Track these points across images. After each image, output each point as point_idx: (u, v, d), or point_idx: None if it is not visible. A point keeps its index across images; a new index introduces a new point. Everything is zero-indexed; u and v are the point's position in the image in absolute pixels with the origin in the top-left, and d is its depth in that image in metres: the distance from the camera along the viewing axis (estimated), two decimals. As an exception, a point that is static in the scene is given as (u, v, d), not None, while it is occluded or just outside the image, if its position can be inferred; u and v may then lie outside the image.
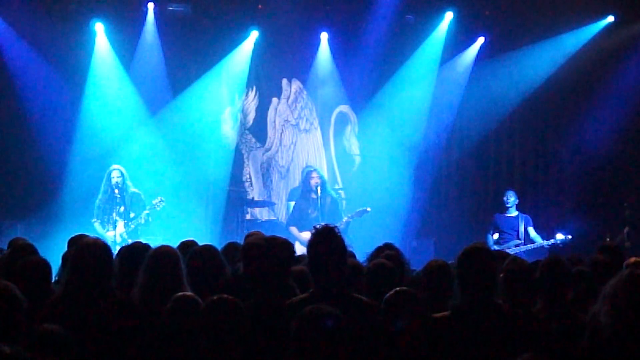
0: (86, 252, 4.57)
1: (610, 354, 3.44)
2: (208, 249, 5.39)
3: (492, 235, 11.60)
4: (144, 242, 5.83)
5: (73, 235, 6.47)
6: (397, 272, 5.10)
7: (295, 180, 13.26)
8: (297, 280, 4.94)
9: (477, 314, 4.16)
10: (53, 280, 5.27)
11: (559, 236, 11.21)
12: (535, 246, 11.25)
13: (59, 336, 3.76)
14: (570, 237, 11.18)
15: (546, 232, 12.10)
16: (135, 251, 5.33)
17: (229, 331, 3.85)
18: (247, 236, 5.89)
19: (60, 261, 6.04)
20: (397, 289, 4.10)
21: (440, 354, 4.02)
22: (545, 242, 11.28)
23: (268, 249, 4.42)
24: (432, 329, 4.12)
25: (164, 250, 4.87)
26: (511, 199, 11.64)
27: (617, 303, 3.49)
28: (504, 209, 11.67)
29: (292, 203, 12.35)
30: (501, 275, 4.57)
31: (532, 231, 11.57)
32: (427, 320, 4.10)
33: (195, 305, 4.17)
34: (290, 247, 4.60)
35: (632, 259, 5.83)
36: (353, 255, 6.00)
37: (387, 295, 4.07)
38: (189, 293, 4.29)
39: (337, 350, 3.53)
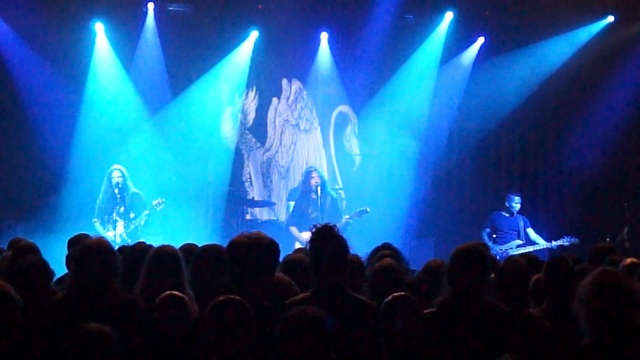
0: (90, 252, 4.57)
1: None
2: (214, 248, 5.39)
3: (488, 233, 11.60)
4: (147, 242, 5.83)
5: (73, 236, 6.47)
6: (402, 273, 5.10)
7: (295, 180, 13.25)
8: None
9: (462, 311, 4.17)
10: (54, 280, 5.27)
11: (565, 240, 11.18)
12: (540, 247, 11.23)
13: (105, 336, 3.77)
14: (577, 239, 11.15)
15: (546, 232, 12.09)
16: (137, 252, 5.33)
17: (235, 331, 3.85)
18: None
19: (60, 261, 6.05)
20: (395, 293, 4.10)
21: (427, 350, 4.02)
22: (552, 244, 11.25)
23: (252, 249, 4.41)
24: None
25: (165, 249, 4.88)
26: (518, 205, 11.61)
27: (591, 309, 3.51)
28: (510, 212, 11.64)
29: (292, 203, 12.34)
30: (492, 275, 4.58)
31: (532, 232, 11.56)
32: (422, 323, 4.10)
33: (181, 303, 4.18)
34: (274, 247, 4.60)
35: (629, 260, 5.82)
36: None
37: (386, 300, 4.08)
38: (175, 292, 4.28)
39: (321, 353, 3.54)
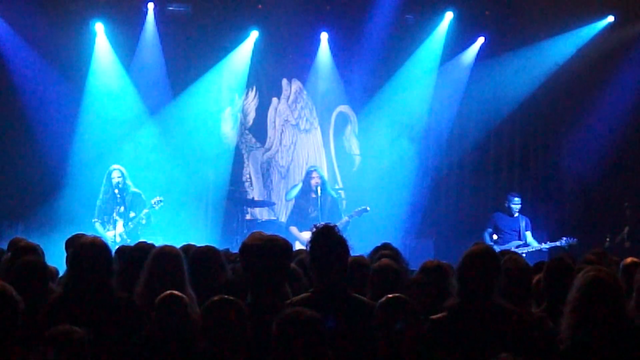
0: (85, 251, 4.56)
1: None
2: (209, 249, 5.39)
3: (490, 234, 11.59)
4: (148, 242, 5.84)
5: (70, 237, 6.48)
6: (400, 273, 5.10)
7: (295, 180, 13.25)
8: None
9: (474, 315, 4.15)
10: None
11: (564, 238, 11.18)
12: (537, 248, 11.22)
13: (75, 336, 3.77)
14: (575, 239, 11.15)
15: (546, 232, 12.09)
16: (139, 251, 5.33)
17: (229, 331, 3.85)
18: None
19: (60, 261, 6.06)
20: (390, 295, 4.09)
21: (439, 355, 4.01)
22: (548, 244, 11.25)
23: (267, 250, 4.41)
24: (430, 331, 4.11)
25: (166, 250, 4.87)
26: (517, 205, 11.60)
27: (578, 310, 3.51)
28: (510, 212, 11.63)
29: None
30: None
31: (529, 235, 11.53)
32: (421, 325, 4.08)
33: (180, 303, 4.18)
34: (289, 247, 4.60)
35: (629, 260, 5.82)
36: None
37: (380, 301, 4.07)
38: (175, 292, 4.29)
39: (316, 354, 3.54)
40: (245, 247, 4.53)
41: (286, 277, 4.54)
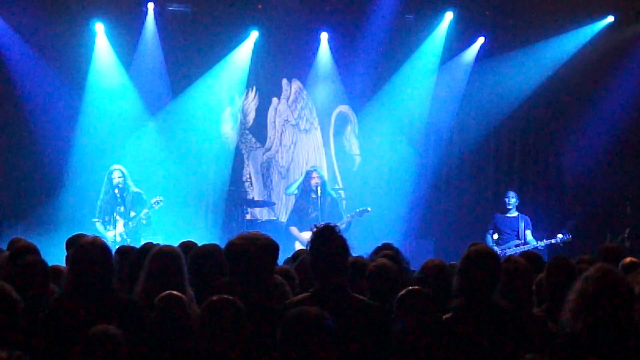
0: (85, 251, 4.56)
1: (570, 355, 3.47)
2: (213, 247, 5.39)
3: (491, 235, 11.60)
4: (154, 243, 5.84)
5: (70, 236, 6.48)
6: (398, 273, 5.10)
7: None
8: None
9: (479, 315, 4.15)
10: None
11: (559, 236, 11.22)
12: (535, 246, 11.23)
13: (112, 336, 3.78)
14: (570, 236, 11.18)
15: (546, 232, 12.08)
16: (143, 252, 5.32)
17: (228, 331, 3.85)
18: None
19: (60, 261, 6.06)
20: (410, 287, 4.10)
21: (446, 356, 4.01)
22: (544, 242, 11.26)
23: (250, 249, 4.42)
24: (439, 331, 4.11)
25: (166, 250, 4.87)
26: (512, 200, 11.63)
27: (581, 304, 3.51)
28: (505, 209, 11.66)
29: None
30: None
31: (529, 234, 11.54)
32: (437, 320, 4.10)
33: (179, 303, 4.18)
34: (273, 246, 4.60)
35: (628, 259, 5.81)
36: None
37: (400, 294, 4.08)
38: (174, 292, 4.29)
39: (322, 353, 3.54)
40: (228, 248, 4.54)
41: (271, 276, 4.55)
